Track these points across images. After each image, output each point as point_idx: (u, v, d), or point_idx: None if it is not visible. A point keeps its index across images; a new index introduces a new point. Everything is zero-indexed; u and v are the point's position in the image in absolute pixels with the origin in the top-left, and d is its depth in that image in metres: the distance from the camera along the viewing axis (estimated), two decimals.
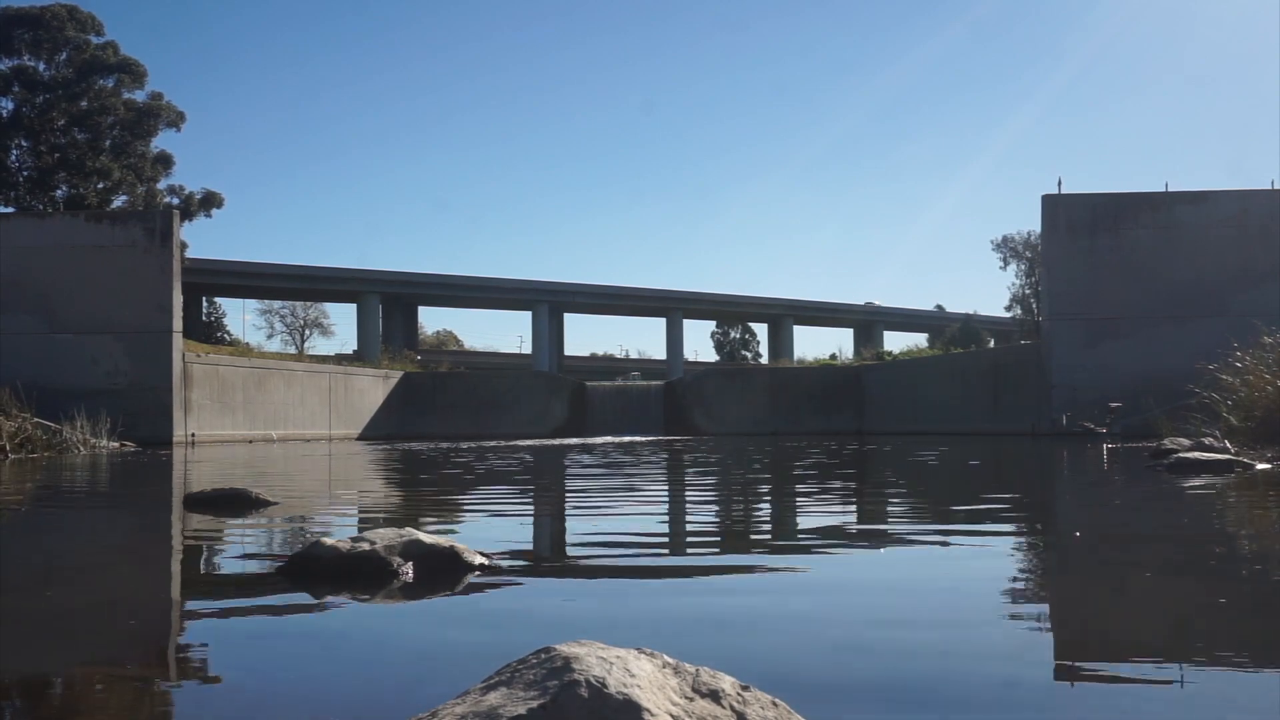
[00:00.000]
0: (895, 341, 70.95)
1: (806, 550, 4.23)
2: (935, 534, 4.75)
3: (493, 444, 23.93)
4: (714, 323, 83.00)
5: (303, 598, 3.11)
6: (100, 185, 34.94)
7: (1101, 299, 25.14)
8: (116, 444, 21.68)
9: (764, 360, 75.50)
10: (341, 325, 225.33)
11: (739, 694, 1.46)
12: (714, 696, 1.44)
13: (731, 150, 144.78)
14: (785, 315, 71.77)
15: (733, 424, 38.58)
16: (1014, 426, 26.61)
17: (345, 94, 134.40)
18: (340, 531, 4.82)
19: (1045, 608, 3.03)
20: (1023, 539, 4.77)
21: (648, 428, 39.26)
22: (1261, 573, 3.57)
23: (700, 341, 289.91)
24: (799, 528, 5.40)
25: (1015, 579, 3.54)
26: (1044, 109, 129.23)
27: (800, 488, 8.12)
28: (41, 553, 4.54)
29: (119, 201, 35.67)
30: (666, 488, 8.57)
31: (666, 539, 4.88)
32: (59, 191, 35.01)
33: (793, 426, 37.54)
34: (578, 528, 5.49)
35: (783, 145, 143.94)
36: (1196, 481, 7.50)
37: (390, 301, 63.64)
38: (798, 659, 2.27)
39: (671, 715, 1.36)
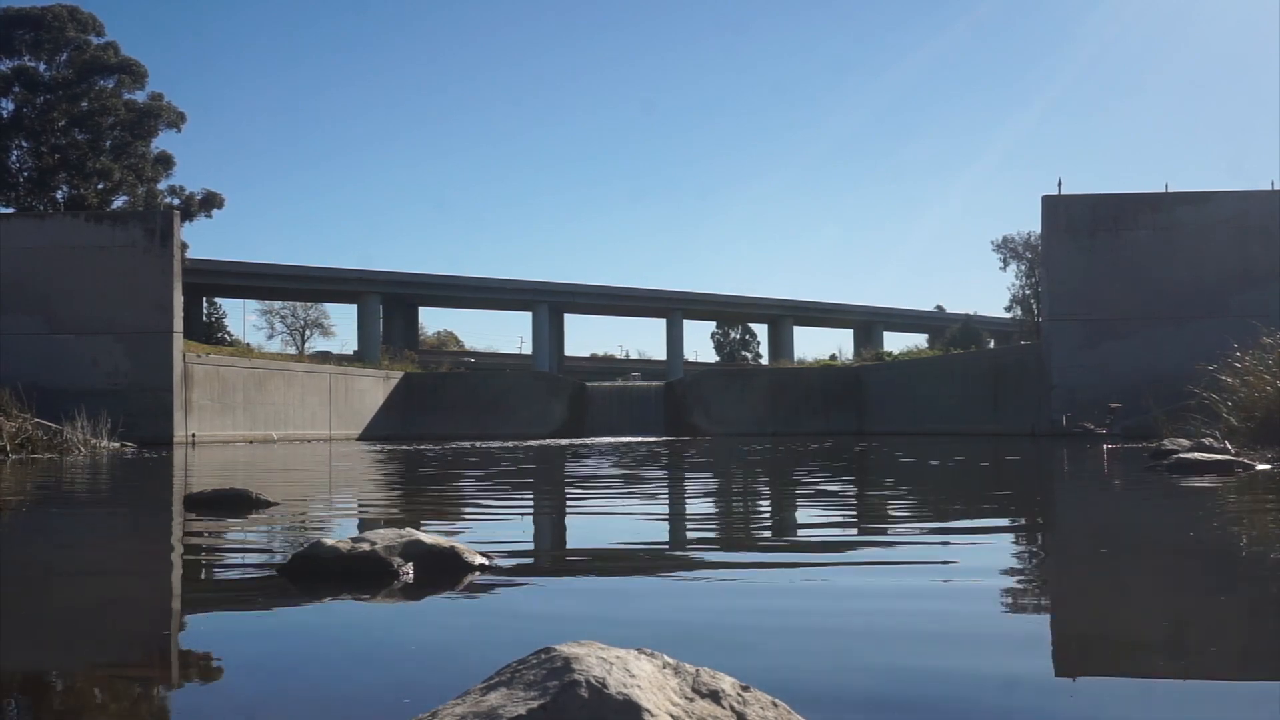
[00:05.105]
0: (895, 342, 71.00)
1: (809, 551, 4.23)
2: (936, 535, 4.75)
3: (493, 445, 23.92)
4: (714, 323, 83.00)
5: (303, 598, 3.11)
6: (100, 186, 34.99)
7: (1101, 299, 25.13)
8: (117, 444, 21.69)
9: (764, 361, 75.52)
10: (342, 326, 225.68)
11: (739, 694, 1.46)
12: (714, 697, 1.44)
13: (731, 150, 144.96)
14: (785, 315, 71.75)
15: (733, 424, 38.63)
16: (1014, 427, 26.61)
17: (345, 94, 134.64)
18: (340, 532, 4.82)
19: (1046, 607, 3.03)
20: (1023, 540, 4.77)
21: (648, 428, 39.32)
22: (1263, 574, 3.57)
23: (700, 342, 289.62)
24: (801, 529, 5.40)
25: (1016, 580, 3.54)
26: (1045, 109, 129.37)
27: (801, 489, 8.12)
28: (41, 553, 4.54)
29: (119, 202, 35.74)
30: (667, 488, 8.57)
31: (667, 539, 4.88)
32: (59, 192, 35.07)
33: (793, 427, 37.57)
34: (578, 528, 5.49)
35: (783, 145, 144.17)
36: (1197, 482, 7.49)
37: (391, 302, 63.65)
38: (799, 660, 2.26)
39: (671, 715, 1.36)
